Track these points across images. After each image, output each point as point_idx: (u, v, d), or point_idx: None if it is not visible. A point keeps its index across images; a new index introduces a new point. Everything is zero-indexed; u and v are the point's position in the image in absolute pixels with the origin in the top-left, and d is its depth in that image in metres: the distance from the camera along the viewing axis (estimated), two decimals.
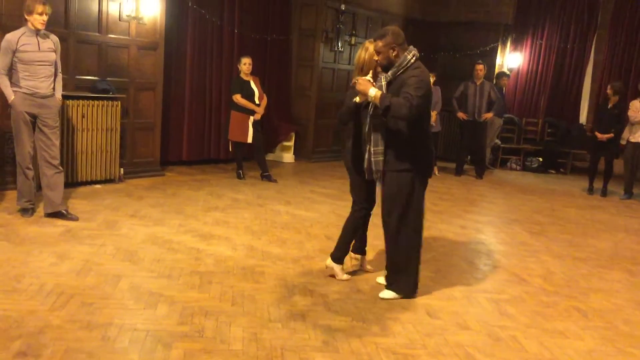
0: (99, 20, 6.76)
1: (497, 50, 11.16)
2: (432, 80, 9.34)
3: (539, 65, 11.60)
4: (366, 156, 3.91)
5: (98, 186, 6.70)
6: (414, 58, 3.77)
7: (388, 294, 4.01)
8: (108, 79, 6.89)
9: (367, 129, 3.88)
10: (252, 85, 7.64)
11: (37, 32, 4.96)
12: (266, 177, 7.87)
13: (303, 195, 7.18)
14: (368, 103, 3.80)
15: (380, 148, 3.83)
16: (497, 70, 11.24)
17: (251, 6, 9.00)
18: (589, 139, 10.60)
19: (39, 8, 4.87)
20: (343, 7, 9.79)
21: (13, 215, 5.24)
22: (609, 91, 8.49)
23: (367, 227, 4.42)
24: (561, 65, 11.46)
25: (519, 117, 11.50)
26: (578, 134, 10.99)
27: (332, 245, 5.11)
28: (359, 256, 4.52)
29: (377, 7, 10.64)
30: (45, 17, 4.92)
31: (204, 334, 3.26)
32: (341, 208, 6.60)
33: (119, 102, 6.78)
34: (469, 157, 10.36)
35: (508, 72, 10.81)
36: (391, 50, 3.76)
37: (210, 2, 8.36)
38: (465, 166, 9.98)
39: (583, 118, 11.67)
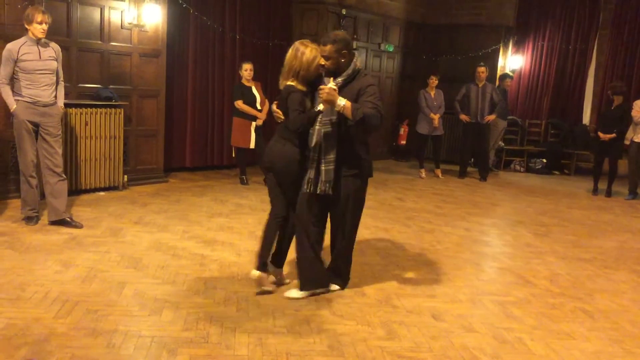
0: (101, 29, 6.80)
1: (499, 52, 11.16)
2: (434, 83, 9.43)
3: (541, 67, 11.59)
4: (316, 166, 3.76)
5: (102, 193, 6.71)
6: (360, 64, 3.79)
7: (333, 287, 4.13)
8: (111, 86, 6.91)
9: (315, 139, 3.73)
10: (254, 90, 7.65)
11: (38, 41, 4.98)
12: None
13: None
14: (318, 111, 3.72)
15: (332, 157, 3.74)
16: (499, 72, 11.24)
17: (252, 12, 9.03)
18: (592, 139, 10.61)
19: (39, 17, 4.90)
20: (344, 11, 9.81)
21: (17, 224, 5.26)
22: (609, 92, 8.48)
23: (288, 238, 4.12)
24: (563, 66, 11.45)
25: (522, 118, 11.50)
26: (581, 134, 10.98)
27: None
28: (276, 269, 4.17)
29: (378, 11, 10.65)
30: (45, 26, 4.94)
31: (209, 339, 3.26)
32: None
33: (122, 110, 6.81)
34: (472, 159, 10.35)
35: (511, 74, 10.77)
36: (341, 57, 3.70)
37: (211, 8, 8.39)
38: (469, 168, 9.97)
39: (586, 119, 11.65)
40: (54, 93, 5.15)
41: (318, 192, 3.78)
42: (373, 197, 7.49)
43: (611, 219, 7.25)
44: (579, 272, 4.98)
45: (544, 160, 10.94)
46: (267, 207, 6.55)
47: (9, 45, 4.97)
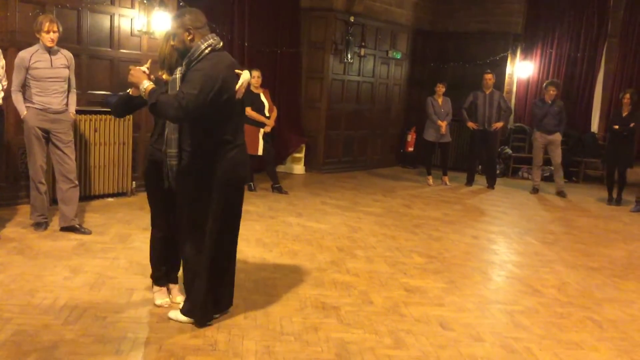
0: (111, 36, 6.85)
1: (507, 59, 11.15)
2: (441, 90, 9.43)
3: (549, 75, 11.56)
4: (165, 159, 3.42)
5: (110, 199, 6.74)
6: (208, 49, 3.24)
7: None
8: (120, 93, 6.93)
9: (164, 129, 3.41)
10: (262, 97, 7.68)
11: (49, 49, 5.03)
12: (277, 188, 7.88)
13: (314, 207, 7.18)
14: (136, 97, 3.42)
15: (174, 150, 3.36)
16: (507, 80, 11.22)
17: (261, 20, 9.07)
18: (600, 147, 10.57)
19: (46, 26, 4.94)
20: (352, 18, 9.85)
21: (27, 230, 5.29)
22: (625, 100, 8.37)
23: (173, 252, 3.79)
24: (572, 74, 11.43)
25: (530, 126, 11.45)
26: (590, 142, 10.93)
27: (343, 257, 5.13)
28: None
29: (386, 18, 10.68)
30: (53, 35, 4.98)
31: (217, 347, 3.26)
32: (353, 219, 6.61)
33: (131, 117, 6.84)
34: (480, 166, 10.32)
35: (555, 81, 9.52)
36: (186, 34, 3.22)
37: (220, 16, 8.43)
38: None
39: (595, 126, 11.61)
40: (65, 100, 5.19)
41: (166, 186, 3.46)
42: (380, 205, 7.50)
43: (620, 227, 7.21)
44: (588, 281, 4.96)
45: (552, 168, 10.87)
46: (275, 214, 6.61)
47: (21, 53, 5.02)
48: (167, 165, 3.41)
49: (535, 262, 5.44)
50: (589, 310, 4.26)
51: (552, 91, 8.89)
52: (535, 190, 9.26)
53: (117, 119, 6.66)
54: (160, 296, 3.77)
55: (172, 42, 3.35)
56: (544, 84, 9.20)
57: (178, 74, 3.31)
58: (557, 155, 9.10)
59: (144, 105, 3.42)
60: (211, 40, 3.26)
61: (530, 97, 11.74)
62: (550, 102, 8.89)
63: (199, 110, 3.12)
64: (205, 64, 3.20)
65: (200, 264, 3.43)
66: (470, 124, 9.38)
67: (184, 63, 3.29)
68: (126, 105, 3.61)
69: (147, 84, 3.20)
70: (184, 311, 3.52)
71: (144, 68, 3.38)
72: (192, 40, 3.24)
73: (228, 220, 3.51)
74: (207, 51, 3.24)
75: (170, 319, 3.56)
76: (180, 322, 3.52)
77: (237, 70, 3.35)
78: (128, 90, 3.47)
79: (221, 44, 3.33)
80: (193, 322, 3.50)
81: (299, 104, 10.03)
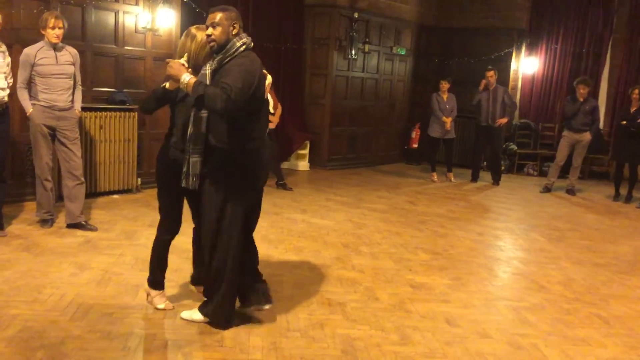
0: (116, 33, 6.85)
1: (511, 55, 11.11)
2: (445, 87, 9.41)
3: (554, 70, 11.51)
4: (187, 157, 3.31)
5: (116, 196, 6.76)
6: (243, 47, 3.28)
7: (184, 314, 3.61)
8: (125, 90, 6.96)
9: (190, 126, 3.31)
10: (267, 94, 7.66)
11: (54, 45, 5.03)
12: (281, 185, 7.88)
13: (319, 203, 7.18)
14: (186, 94, 3.28)
15: (200, 147, 3.28)
16: (512, 75, 11.18)
17: (265, 16, 9.05)
18: (606, 144, 10.52)
19: (51, 22, 4.94)
20: (356, 15, 9.82)
21: (33, 227, 5.30)
22: (634, 96, 8.28)
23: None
24: (577, 69, 11.36)
25: (535, 122, 11.42)
26: (595, 138, 10.86)
27: (348, 253, 5.13)
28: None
29: (390, 14, 10.65)
30: (58, 31, 4.98)
31: (223, 343, 3.27)
32: (357, 216, 6.61)
33: (136, 113, 6.85)
34: (484, 163, 10.30)
35: (586, 79, 9.10)
36: (232, 28, 3.24)
37: None
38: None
39: (600, 122, 11.54)
40: (71, 97, 5.19)
41: (184, 185, 3.34)
42: (385, 201, 7.50)
43: (626, 223, 7.18)
44: (594, 277, 4.94)
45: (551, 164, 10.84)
46: (277, 210, 6.62)
47: (26, 50, 5.03)
48: (190, 164, 3.30)
49: (541, 258, 5.43)
50: (595, 306, 4.25)
51: (582, 89, 8.60)
52: (546, 189, 9.02)
53: (125, 115, 6.69)
54: (161, 300, 3.68)
55: (211, 32, 3.24)
56: (574, 82, 8.93)
57: (208, 69, 3.28)
58: (580, 156, 8.92)
59: (173, 101, 3.40)
60: (245, 39, 3.30)
61: (535, 93, 11.68)
62: (582, 100, 8.65)
63: (243, 103, 3.11)
64: (244, 61, 3.22)
65: (228, 267, 3.37)
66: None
67: (215, 59, 3.27)
68: (161, 100, 3.48)
69: (188, 77, 3.15)
70: (208, 313, 3.45)
71: (183, 61, 3.30)
72: (235, 34, 3.26)
73: (251, 219, 3.54)
74: (242, 49, 3.28)
75: (183, 319, 3.53)
76: (195, 321, 3.48)
77: (264, 71, 3.40)
78: (163, 85, 3.37)
79: (252, 44, 3.35)
80: (212, 324, 3.45)
81: (303, 100, 10.02)
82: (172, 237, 3.68)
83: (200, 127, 3.26)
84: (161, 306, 3.67)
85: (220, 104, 3.03)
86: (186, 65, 3.27)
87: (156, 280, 3.69)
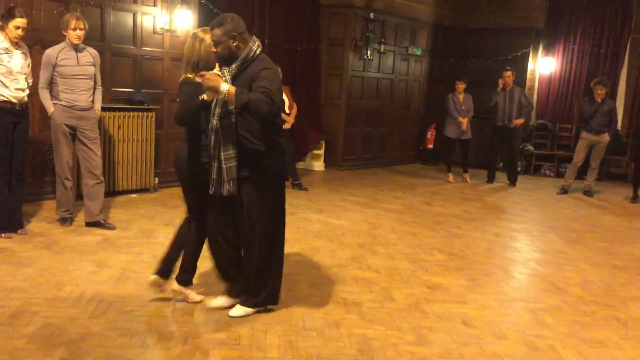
0: (134, 34, 6.92)
1: (528, 55, 11.03)
2: (461, 87, 9.37)
3: (572, 71, 11.42)
4: (217, 165, 3.40)
5: (134, 195, 6.83)
6: (259, 49, 3.42)
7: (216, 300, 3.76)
8: (143, 90, 7.03)
9: (212, 132, 3.39)
10: (282, 94, 7.69)
11: (75, 46, 5.10)
12: (297, 185, 7.91)
13: (334, 203, 7.20)
14: (209, 103, 3.36)
15: (232, 152, 3.37)
16: (529, 76, 11.11)
17: (281, 17, 9.09)
18: (624, 144, 10.41)
19: (72, 23, 5.02)
20: (372, 15, 9.82)
21: (52, 225, 5.38)
22: None
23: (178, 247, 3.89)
24: (595, 70, 11.25)
25: (553, 122, 11.34)
26: (613, 139, 10.76)
27: (364, 254, 5.14)
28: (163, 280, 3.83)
29: (406, 14, 10.63)
30: (79, 32, 5.05)
31: (240, 341, 3.30)
32: (373, 216, 6.61)
33: (154, 113, 6.92)
34: (500, 163, 10.24)
35: (604, 80, 8.98)
36: (231, 40, 3.34)
37: (240, 13, 8.32)
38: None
39: (618, 123, 11.43)
40: (91, 97, 5.26)
41: (225, 193, 3.42)
42: (400, 201, 7.49)
43: None
44: (612, 279, 4.91)
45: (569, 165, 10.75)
46: (293, 210, 6.63)
47: (48, 51, 5.11)
48: (223, 170, 3.38)
49: (558, 260, 5.40)
50: (613, 308, 4.21)
51: (600, 90, 8.50)
52: (563, 191, 8.95)
53: (143, 115, 6.76)
54: (195, 294, 3.82)
55: (215, 49, 3.39)
56: (592, 83, 8.83)
57: (227, 75, 3.35)
58: (598, 157, 8.83)
59: (204, 109, 3.43)
60: (258, 42, 3.45)
61: (552, 94, 11.60)
62: (600, 101, 8.56)
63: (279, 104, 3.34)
64: (267, 64, 3.38)
65: (274, 262, 3.65)
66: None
67: (234, 65, 3.37)
68: (198, 112, 3.48)
69: (227, 86, 3.24)
70: (259, 302, 3.65)
71: (216, 71, 3.36)
72: (237, 47, 3.37)
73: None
74: (258, 51, 3.42)
75: (233, 317, 3.58)
76: (248, 315, 3.62)
77: None
78: (201, 97, 3.37)
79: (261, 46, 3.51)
80: (265, 303, 3.68)
81: (319, 100, 10.04)
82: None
83: (230, 133, 3.36)
84: (198, 298, 3.81)
85: (266, 108, 3.20)
86: (219, 73, 3.34)
87: (189, 278, 3.81)
